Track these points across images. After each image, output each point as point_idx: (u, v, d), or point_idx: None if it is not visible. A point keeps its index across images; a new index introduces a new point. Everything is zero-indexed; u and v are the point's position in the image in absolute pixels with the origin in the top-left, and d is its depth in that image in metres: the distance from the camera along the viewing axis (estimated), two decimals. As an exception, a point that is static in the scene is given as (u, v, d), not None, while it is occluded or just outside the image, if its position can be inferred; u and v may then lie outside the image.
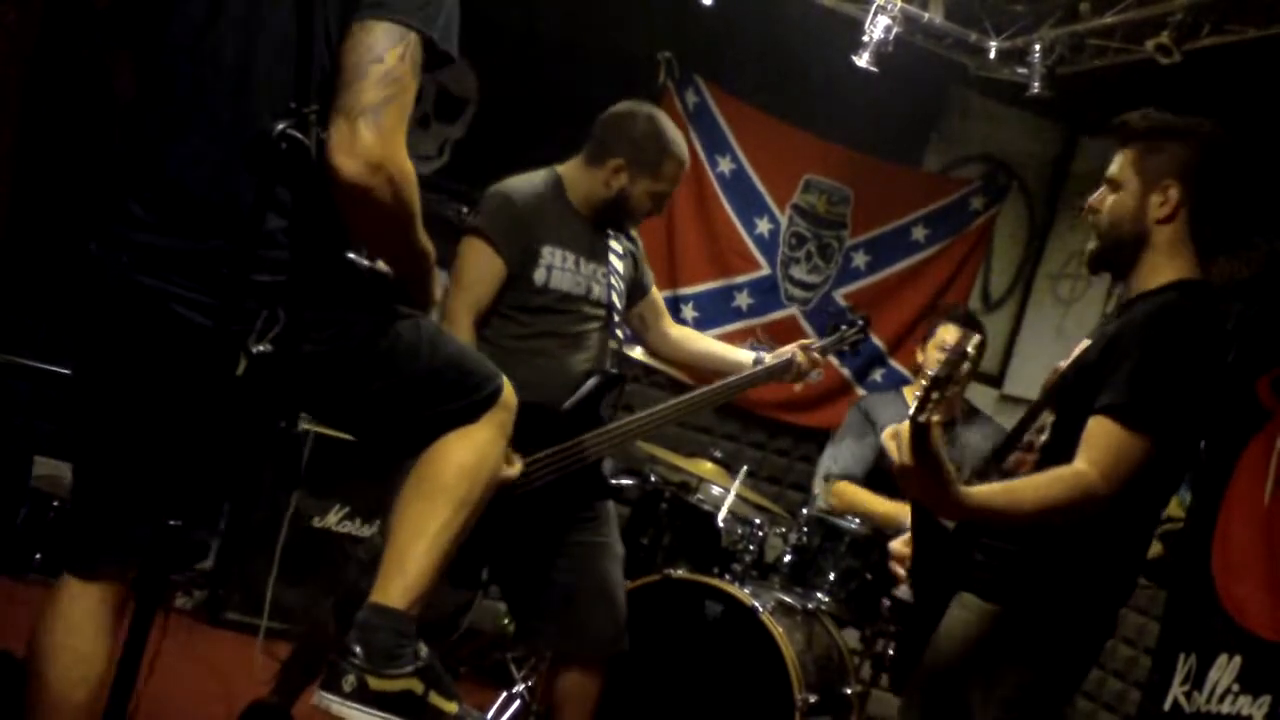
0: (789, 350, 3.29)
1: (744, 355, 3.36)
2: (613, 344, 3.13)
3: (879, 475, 4.19)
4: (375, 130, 1.80)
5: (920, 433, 2.02)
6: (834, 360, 5.59)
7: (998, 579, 2.35)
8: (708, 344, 3.51)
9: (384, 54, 1.82)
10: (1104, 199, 2.40)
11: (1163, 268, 2.34)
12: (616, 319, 3.11)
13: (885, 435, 2.39)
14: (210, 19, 1.92)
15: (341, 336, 1.96)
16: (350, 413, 2.16)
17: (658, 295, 3.38)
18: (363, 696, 1.94)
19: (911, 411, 2.02)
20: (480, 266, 2.92)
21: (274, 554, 4.11)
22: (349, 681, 1.94)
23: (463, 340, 2.66)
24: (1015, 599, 2.33)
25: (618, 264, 3.14)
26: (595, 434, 2.96)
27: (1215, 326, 2.32)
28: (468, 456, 2.08)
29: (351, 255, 1.99)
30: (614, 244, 3.14)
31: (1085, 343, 2.43)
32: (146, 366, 1.95)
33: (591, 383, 2.99)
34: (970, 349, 2.06)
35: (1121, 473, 2.16)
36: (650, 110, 3.09)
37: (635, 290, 3.26)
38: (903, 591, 2.58)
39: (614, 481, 3.12)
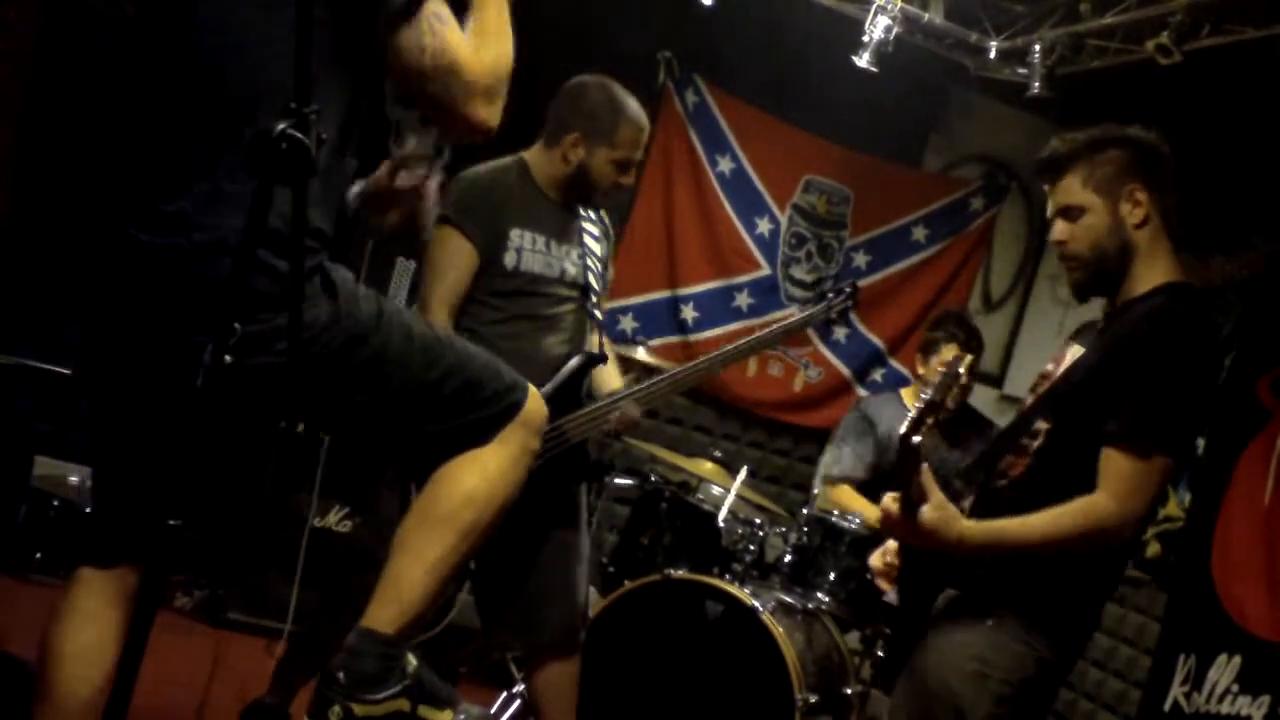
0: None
1: (616, 382, 3.27)
2: (590, 324, 3.11)
3: (880, 476, 4.21)
4: None
5: (911, 453, 2.04)
6: (833, 359, 5.63)
7: (986, 577, 2.35)
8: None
9: None
10: (1069, 230, 2.38)
11: (1147, 272, 2.34)
12: (594, 299, 3.10)
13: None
14: (199, 27, 1.92)
15: (309, 346, 1.87)
16: (344, 427, 2.10)
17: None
18: None
19: (903, 431, 2.06)
20: (452, 254, 2.92)
21: (276, 554, 4.11)
22: (334, 712, 1.92)
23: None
24: (1005, 596, 2.33)
25: (594, 245, 3.13)
26: (576, 415, 2.96)
27: (1208, 329, 2.33)
28: (477, 483, 1.99)
29: (326, 264, 1.93)
30: (589, 226, 3.14)
31: (1075, 348, 2.44)
32: (135, 373, 1.95)
33: (572, 364, 2.98)
34: (962, 370, 2.10)
35: (1138, 498, 2.21)
36: (600, 80, 3.07)
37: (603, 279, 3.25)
38: (890, 596, 2.60)
39: (597, 460, 3.09)
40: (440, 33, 1.90)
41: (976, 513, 2.34)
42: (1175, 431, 2.24)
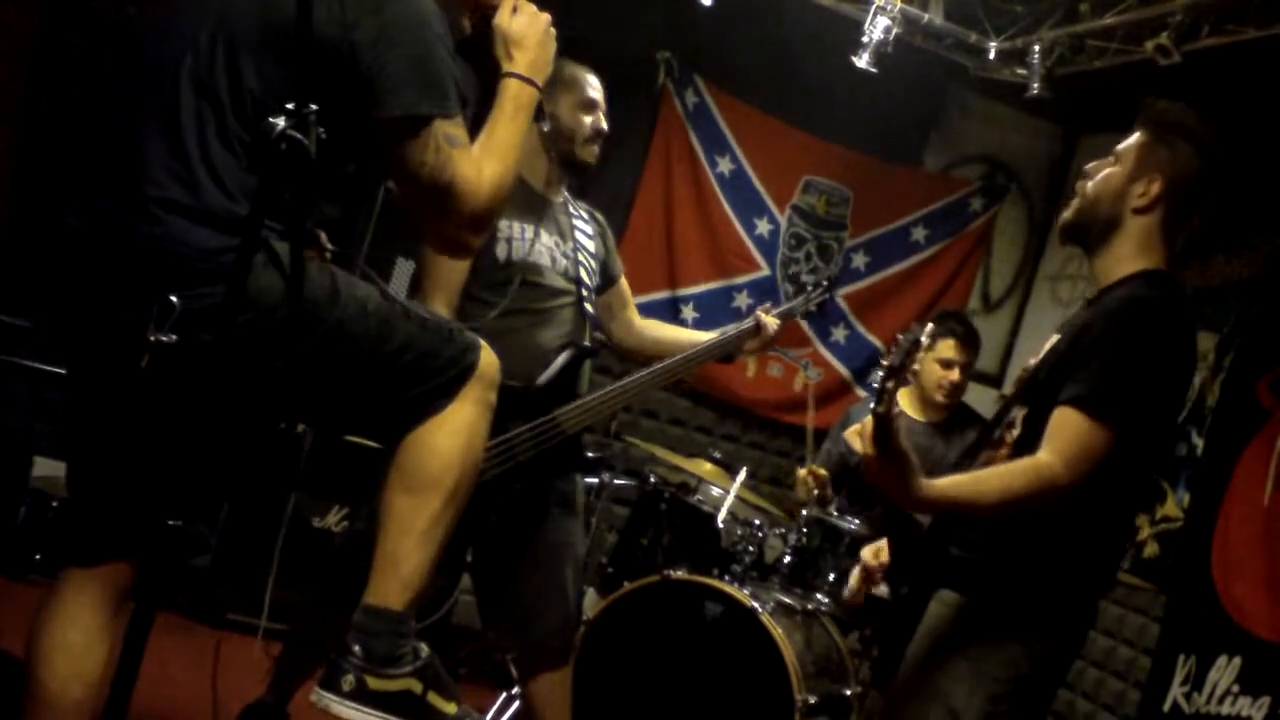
0: (753, 317, 3.26)
1: (706, 337, 3.33)
2: (586, 320, 3.09)
3: (844, 475, 4.23)
4: None
5: (881, 424, 2.03)
6: (832, 359, 5.63)
7: (975, 573, 2.35)
8: (671, 330, 3.49)
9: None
10: (1100, 168, 2.40)
11: (1131, 259, 2.34)
12: (586, 294, 3.09)
13: (849, 432, 2.42)
14: (180, 30, 1.94)
15: (257, 323, 1.83)
16: (300, 403, 2.06)
17: (625, 285, 3.35)
18: (361, 696, 1.95)
19: (870, 407, 2.05)
20: None
21: (273, 554, 4.11)
22: (348, 681, 1.95)
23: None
24: (994, 593, 2.33)
25: (587, 242, 3.12)
26: (571, 407, 2.95)
27: (1181, 313, 2.31)
28: (449, 443, 2.02)
29: (274, 242, 1.89)
30: (581, 223, 3.13)
31: (1055, 337, 2.43)
32: (95, 360, 1.95)
33: (565, 355, 2.97)
34: (924, 338, 2.08)
35: (1084, 462, 2.16)
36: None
37: (604, 275, 3.24)
38: (880, 590, 2.60)
39: (591, 455, 3.09)
40: (446, 153, 1.92)
41: None
42: (1129, 402, 2.18)
